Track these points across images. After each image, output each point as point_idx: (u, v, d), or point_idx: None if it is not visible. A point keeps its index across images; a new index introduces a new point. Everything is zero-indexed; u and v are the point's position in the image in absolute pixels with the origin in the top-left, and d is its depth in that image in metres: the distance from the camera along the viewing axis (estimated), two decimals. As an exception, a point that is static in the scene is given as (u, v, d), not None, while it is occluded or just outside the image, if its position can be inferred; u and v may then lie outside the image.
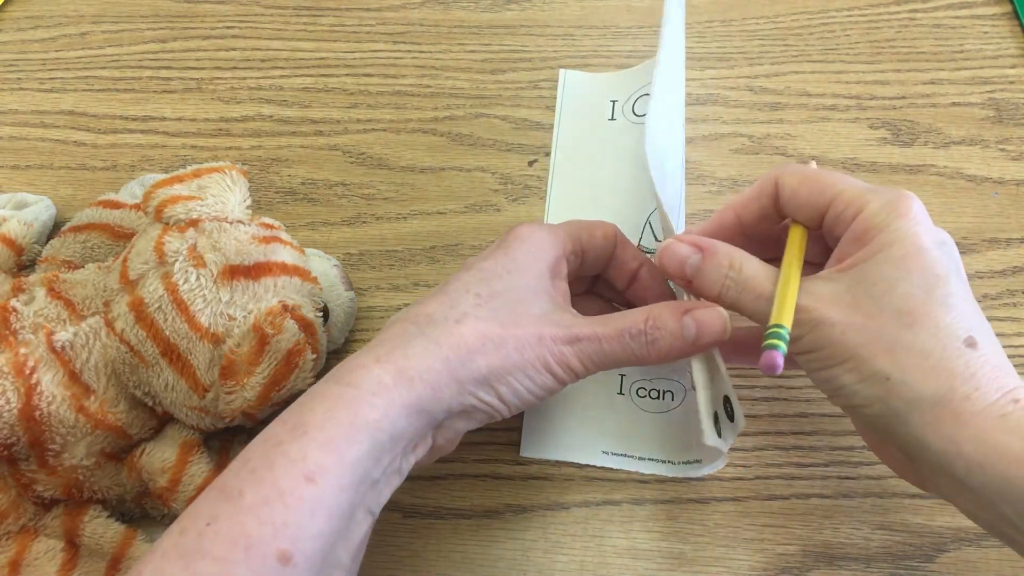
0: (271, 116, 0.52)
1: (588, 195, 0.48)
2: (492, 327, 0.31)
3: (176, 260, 0.36)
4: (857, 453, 0.40)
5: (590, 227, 0.37)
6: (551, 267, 0.35)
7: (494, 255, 0.34)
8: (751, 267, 0.33)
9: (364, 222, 0.48)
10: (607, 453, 0.40)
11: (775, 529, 0.38)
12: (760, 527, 0.38)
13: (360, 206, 0.49)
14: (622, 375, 0.42)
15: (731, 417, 0.35)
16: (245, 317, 0.36)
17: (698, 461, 0.39)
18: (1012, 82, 0.51)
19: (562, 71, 0.53)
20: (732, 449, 0.40)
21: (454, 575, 0.38)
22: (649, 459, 0.40)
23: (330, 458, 0.28)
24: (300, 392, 0.36)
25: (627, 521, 0.39)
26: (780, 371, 0.30)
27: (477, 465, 0.40)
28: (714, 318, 0.33)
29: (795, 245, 0.34)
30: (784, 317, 0.30)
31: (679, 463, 0.40)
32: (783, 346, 0.30)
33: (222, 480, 0.28)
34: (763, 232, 0.36)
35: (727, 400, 0.35)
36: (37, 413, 0.34)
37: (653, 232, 0.45)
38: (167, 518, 0.38)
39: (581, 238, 0.37)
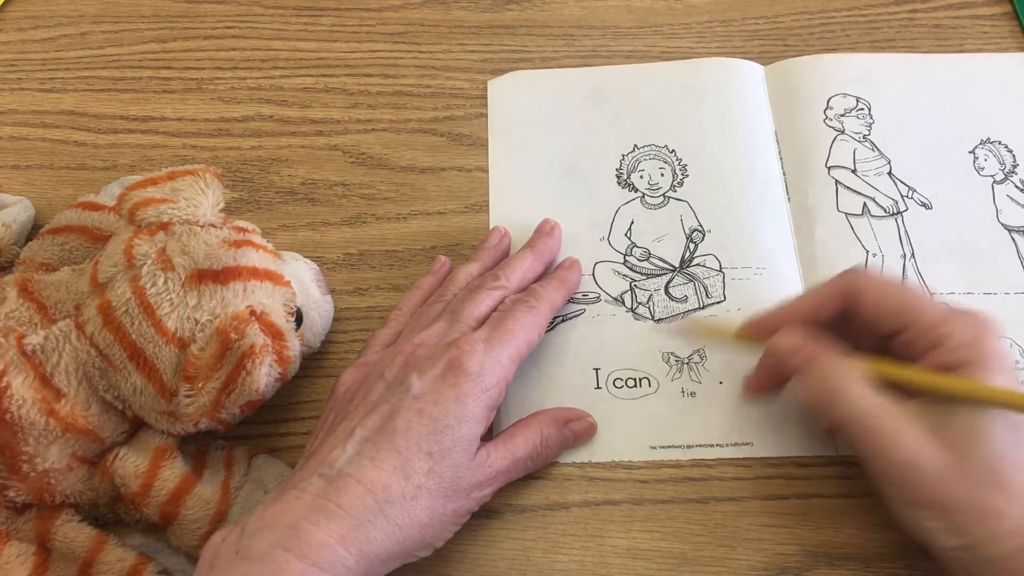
0: (271, 116, 0.52)
1: (530, 191, 0.49)
2: (439, 502, 0.34)
3: (144, 263, 0.36)
4: (857, 453, 0.40)
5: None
6: (491, 404, 0.36)
7: (443, 396, 0.34)
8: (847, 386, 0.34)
9: (364, 222, 0.48)
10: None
11: (775, 529, 0.38)
12: (760, 527, 0.38)
13: (360, 206, 0.49)
14: (596, 369, 0.42)
15: None
16: (211, 321, 0.35)
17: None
18: (1012, 82, 0.51)
19: (489, 82, 0.53)
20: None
21: (454, 575, 0.38)
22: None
23: None
24: (254, 401, 0.36)
25: (627, 521, 0.39)
26: None
27: (477, 465, 0.40)
28: (587, 428, 0.40)
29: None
30: None
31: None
32: None
33: None
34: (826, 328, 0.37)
35: None
36: (8, 416, 0.34)
37: (631, 230, 0.46)
38: (140, 523, 0.38)
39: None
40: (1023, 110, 0.49)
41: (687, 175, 0.48)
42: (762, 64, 0.52)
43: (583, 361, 0.43)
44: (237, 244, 0.38)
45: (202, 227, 0.38)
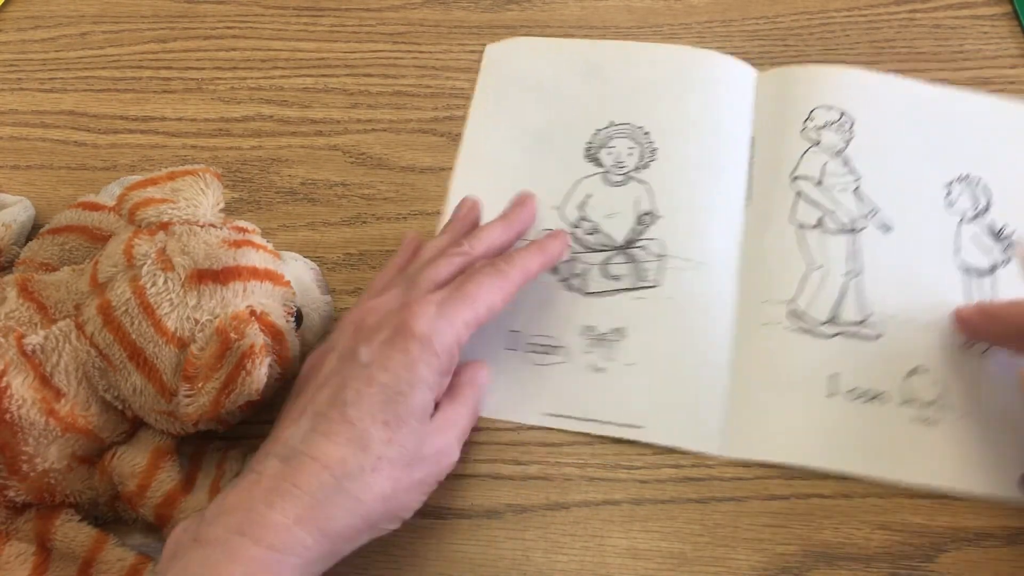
0: (271, 116, 0.52)
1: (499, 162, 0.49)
2: (401, 472, 0.33)
3: (144, 263, 0.36)
4: (857, 453, 0.40)
5: None
6: (443, 369, 0.35)
7: (392, 362, 0.34)
8: None
9: (364, 222, 0.48)
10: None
11: (775, 529, 0.38)
12: (760, 527, 0.38)
13: (360, 206, 0.49)
14: (515, 331, 0.43)
15: None
16: (211, 321, 0.35)
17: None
18: (1012, 82, 0.51)
19: (488, 47, 0.54)
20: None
21: (454, 575, 0.38)
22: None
23: None
24: (254, 401, 0.36)
25: (627, 521, 0.39)
26: None
27: (477, 465, 0.40)
28: (485, 374, 0.40)
29: None
30: None
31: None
32: None
33: None
34: None
35: None
36: (8, 416, 0.34)
37: (584, 205, 0.47)
38: (139, 522, 0.38)
39: None
40: (1013, 155, 0.48)
41: (654, 159, 0.48)
42: (758, 66, 0.52)
43: (504, 321, 0.43)
44: (237, 244, 0.38)
45: (202, 227, 0.38)
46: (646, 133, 0.49)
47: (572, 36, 0.54)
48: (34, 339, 0.35)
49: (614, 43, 0.53)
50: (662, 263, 0.45)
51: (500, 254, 0.41)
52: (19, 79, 0.55)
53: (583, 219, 0.46)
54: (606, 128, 0.50)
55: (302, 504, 0.31)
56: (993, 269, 0.44)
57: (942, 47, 0.53)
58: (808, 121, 0.49)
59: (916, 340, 0.42)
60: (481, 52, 0.54)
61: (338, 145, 0.51)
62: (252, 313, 0.35)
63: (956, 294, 0.43)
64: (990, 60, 0.52)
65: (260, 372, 0.35)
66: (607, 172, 0.48)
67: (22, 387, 0.34)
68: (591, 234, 0.46)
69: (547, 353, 0.43)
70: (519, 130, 0.50)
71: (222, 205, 0.39)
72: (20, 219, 0.46)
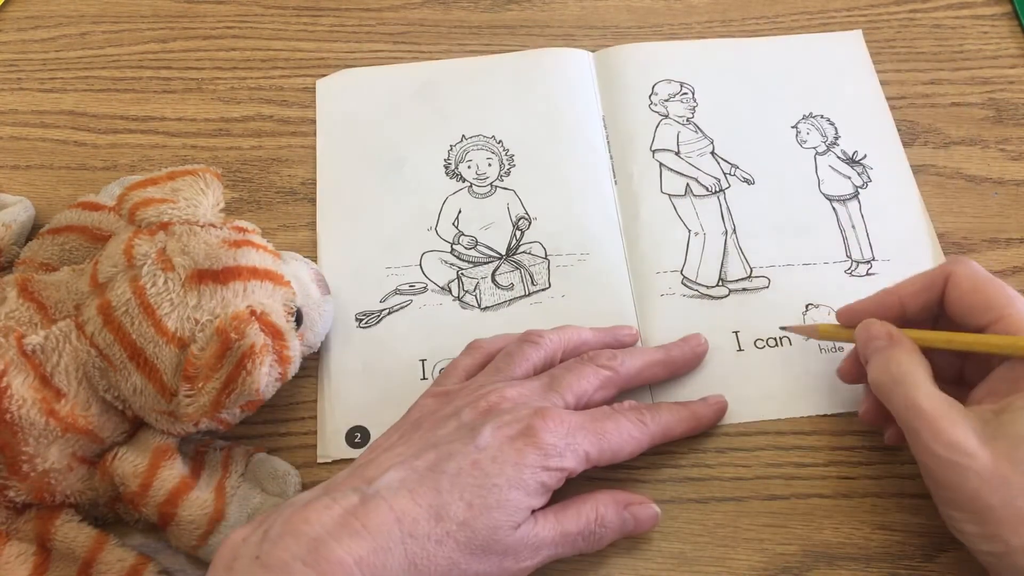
0: (271, 116, 0.52)
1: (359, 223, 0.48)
2: (463, 557, 0.32)
3: (144, 263, 0.36)
4: (857, 453, 0.40)
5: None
6: (548, 485, 0.34)
7: (504, 456, 0.33)
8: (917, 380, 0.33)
9: (364, 222, 0.48)
10: None
11: (775, 529, 0.38)
12: (760, 527, 0.38)
13: (360, 206, 0.49)
14: (423, 360, 0.43)
15: None
16: (211, 321, 0.35)
17: None
18: (1012, 82, 0.52)
19: (319, 81, 0.53)
20: (732, 449, 0.40)
21: (454, 575, 0.38)
22: None
23: None
24: (254, 401, 0.36)
25: (627, 521, 0.39)
26: None
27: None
28: (650, 515, 0.37)
29: None
30: None
31: None
32: None
33: None
34: (921, 318, 0.37)
35: None
36: (8, 416, 0.34)
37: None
38: (140, 523, 0.38)
39: None
40: (843, 86, 0.51)
41: (514, 165, 0.49)
42: (592, 51, 0.53)
43: (409, 353, 0.43)
44: (237, 244, 0.38)
45: (202, 227, 0.38)
46: (499, 142, 0.50)
47: (572, 36, 0.55)
48: (34, 339, 0.35)
49: (442, 62, 0.53)
50: (548, 264, 0.45)
51: (646, 382, 0.41)
52: (19, 79, 0.55)
53: (461, 235, 0.46)
54: (460, 142, 0.50)
55: (366, 546, 0.30)
56: (856, 193, 0.47)
57: (942, 47, 0.53)
58: (652, 96, 0.51)
59: (803, 278, 0.44)
60: (481, 52, 0.54)
61: (338, 145, 0.51)
62: (252, 313, 0.35)
63: (830, 225, 0.46)
64: (990, 60, 0.52)
65: (260, 372, 0.35)
66: (471, 186, 0.48)
67: (22, 387, 0.34)
68: (471, 248, 0.46)
69: None
70: (369, 159, 0.50)
71: (222, 205, 0.39)
72: (20, 219, 0.46)
